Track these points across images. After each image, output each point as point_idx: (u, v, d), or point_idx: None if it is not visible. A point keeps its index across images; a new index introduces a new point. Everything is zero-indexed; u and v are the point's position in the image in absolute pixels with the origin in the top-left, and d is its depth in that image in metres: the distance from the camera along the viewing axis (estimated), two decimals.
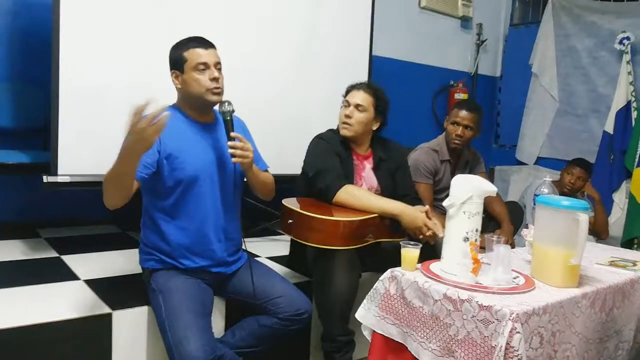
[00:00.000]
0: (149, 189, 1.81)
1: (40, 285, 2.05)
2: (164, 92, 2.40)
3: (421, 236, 2.02)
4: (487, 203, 2.69)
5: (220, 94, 1.81)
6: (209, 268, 1.88)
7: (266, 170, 2.04)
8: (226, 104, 1.81)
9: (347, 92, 2.32)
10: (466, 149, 2.94)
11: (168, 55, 1.86)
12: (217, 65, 1.83)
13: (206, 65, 1.79)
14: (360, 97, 2.24)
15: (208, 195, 1.84)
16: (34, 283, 2.06)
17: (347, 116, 2.23)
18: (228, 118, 1.80)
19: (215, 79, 1.79)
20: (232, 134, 1.78)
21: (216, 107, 1.87)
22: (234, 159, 1.77)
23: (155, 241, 1.84)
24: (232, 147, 1.76)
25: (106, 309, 1.83)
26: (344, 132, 2.25)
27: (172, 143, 1.76)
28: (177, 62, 1.81)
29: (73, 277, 2.18)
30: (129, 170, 1.59)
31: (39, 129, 2.86)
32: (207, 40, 1.84)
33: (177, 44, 1.84)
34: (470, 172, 2.95)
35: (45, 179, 2.38)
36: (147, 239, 1.87)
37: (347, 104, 2.26)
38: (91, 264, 2.36)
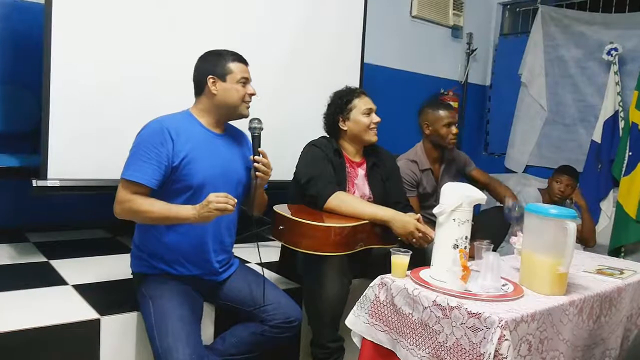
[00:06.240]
0: (156, 192, 1.80)
1: (28, 290, 2.03)
2: (156, 96, 2.44)
3: (414, 240, 2.03)
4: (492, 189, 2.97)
5: (248, 108, 1.92)
6: (201, 276, 1.88)
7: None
8: (257, 121, 1.91)
9: (357, 98, 2.30)
10: (446, 152, 2.91)
11: (202, 57, 1.91)
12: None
13: (247, 81, 1.90)
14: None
15: None
16: (21, 288, 2.04)
17: (376, 123, 2.30)
18: (257, 134, 1.89)
19: (252, 95, 1.91)
20: (259, 149, 1.87)
21: (233, 123, 1.98)
22: (258, 174, 1.85)
23: (152, 244, 1.83)
24: (257, 162, 1.85)
25: (94, 315, 1.82)
26: (376, 137, 2.31)
27: (185, 149, 1.79)
28: (220, 70, 1.86)
29: (61, 282, 2.17)
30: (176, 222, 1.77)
31: (29, 133, 2.83)
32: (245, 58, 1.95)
33: (218, 53, 1.90)
34: (462, 172, 2.99)
35: (34, 183, 2.35)
36: (142, 243, 1.87)
37: (368, 112, 2.28)
38: (80, 269, 2.34)
